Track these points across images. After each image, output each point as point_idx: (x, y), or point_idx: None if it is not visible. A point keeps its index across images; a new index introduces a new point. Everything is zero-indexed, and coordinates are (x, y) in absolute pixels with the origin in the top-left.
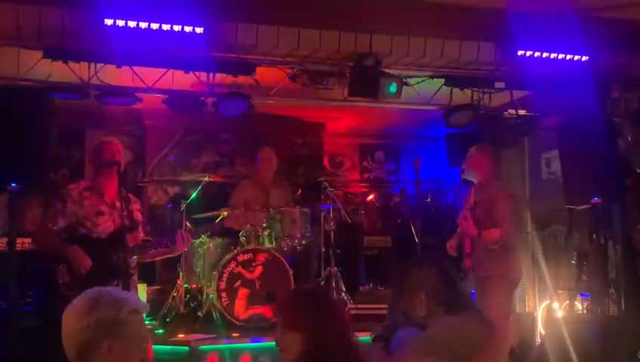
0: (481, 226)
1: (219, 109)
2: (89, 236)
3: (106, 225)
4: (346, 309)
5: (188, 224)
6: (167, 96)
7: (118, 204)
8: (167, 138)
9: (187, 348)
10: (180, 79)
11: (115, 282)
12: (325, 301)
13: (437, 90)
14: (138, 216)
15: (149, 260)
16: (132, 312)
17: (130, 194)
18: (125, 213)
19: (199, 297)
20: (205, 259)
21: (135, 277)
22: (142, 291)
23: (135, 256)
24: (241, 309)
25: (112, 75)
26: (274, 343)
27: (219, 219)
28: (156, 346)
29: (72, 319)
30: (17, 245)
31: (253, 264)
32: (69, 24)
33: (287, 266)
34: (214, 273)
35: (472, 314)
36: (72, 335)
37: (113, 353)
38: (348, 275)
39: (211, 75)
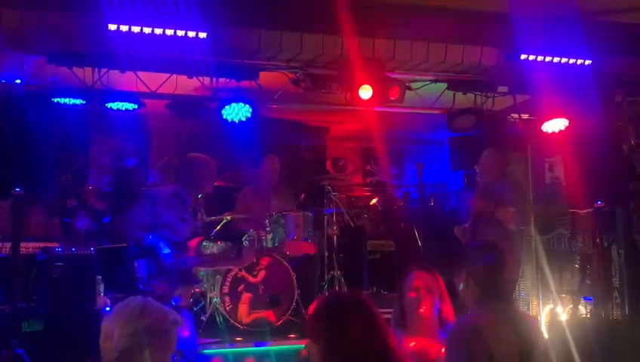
0: (494, 205)
1: (222, 114)
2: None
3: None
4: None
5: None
6: (170, 100)
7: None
8: (171, 143)
9: None
10: (184, 84)
11: None
12: (342, 310)
13: (440, 94)
14: None
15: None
16: (174, 323)
17: None
18: None
19: (203, 301)
20: None
21: None
22: None
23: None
24: (245, 313)
25: (116, 79)
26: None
27: (221, 223)
28: None
29: (119, 324)
30: (21, 249)
31: (257, 268)
32: (73, 29)
33: (291, 270)
34: (218, 277)
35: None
36: (116, 340)
37: (153, 360)
38: (351, 279)
39: (215, 79)
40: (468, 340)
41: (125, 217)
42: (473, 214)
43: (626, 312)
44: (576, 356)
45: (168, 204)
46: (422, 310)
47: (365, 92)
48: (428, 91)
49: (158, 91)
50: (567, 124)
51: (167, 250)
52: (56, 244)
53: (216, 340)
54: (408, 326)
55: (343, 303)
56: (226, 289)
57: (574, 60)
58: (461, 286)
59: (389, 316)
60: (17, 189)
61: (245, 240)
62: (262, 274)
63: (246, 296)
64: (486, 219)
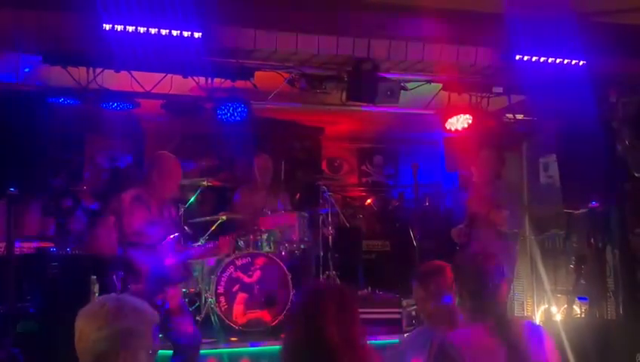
0: (488, 207)
1: (217, 114)
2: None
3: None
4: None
5: (186, 228)
6: (165, 100)
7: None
8: (166, 142)
9: None
10: (179, 84)
11: None
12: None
13: (435, 95)
14: None
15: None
16: (150, 323)
17: None
18: None
19: (197, 301)
20: (203, 263)
21: None
22: None
23: None
24: (240, 313)
25: (111, 79)
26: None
27: (216, 223)
28: None
29: (93, 326)
30: (16, 249)
31: (252, 268)
32: (68, 29)
33: (286, 270)
34: (213, 277)
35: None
36: (90, 342)
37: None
38: (346, 279)
39: (210, 79)
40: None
41: (93, 235)
42: (468, 215)
43: (621, 312)
44: (570, 356)
45: (132, 210)
46: None
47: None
48: (423, 91)
49: (153, 91)
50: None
51: (141, 257)
52: (51, 244)
53: (212, 340)
54: None
55: (304, 299)
56: (221, 290)
57: (569, 61)
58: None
59: (384, 316)
60: (12, 189)
61: (240, 239)
62: (257, 274)
63: (241, 296)
64: (481, 219)
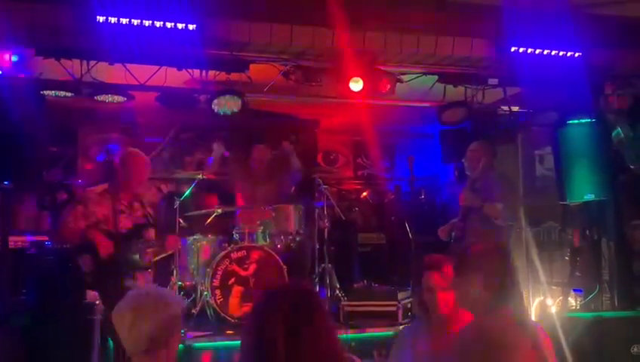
0: (482, 200)
1: (212, 107)
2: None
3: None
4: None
5: (181, 221)
6: (160, 93)
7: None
8: (161, 135)
9: (181, 345)
10: (173, 76)
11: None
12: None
13: (431, 87)
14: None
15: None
16: (182, 310)
17: None
18: None
19: (193, 295)
20: (199, 256)
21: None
22: None
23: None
24: (235, 306)
25: (105, 72)
26: None
27: (212, 216)
28: None
29: (144, 316)
30: (11, 243)
31: (247, 261)
32: (62, 21)
33: (281, 263)
34: (208, 270)
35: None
36: (144, 331)
37: (175, 345)
38: (342, 272)
39: (204, 72)
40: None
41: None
42: (462, 208)
43: (616, 304)
44: (566, 348)
45: (100, 200)
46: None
47: (356, 84)
48: (419, 84)
49: (147, 84)
50: (557, 117)
51: (104, 243)
52: (46, 238)
53: (207, 333)
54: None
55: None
56: (216, 283)
57: (564, 53)
58: (473, 292)
59: (380, 308)
60: (6, 183)
61: (236, 232)
62: (253, 267)
63: (237, 290)
64: (475, 212)
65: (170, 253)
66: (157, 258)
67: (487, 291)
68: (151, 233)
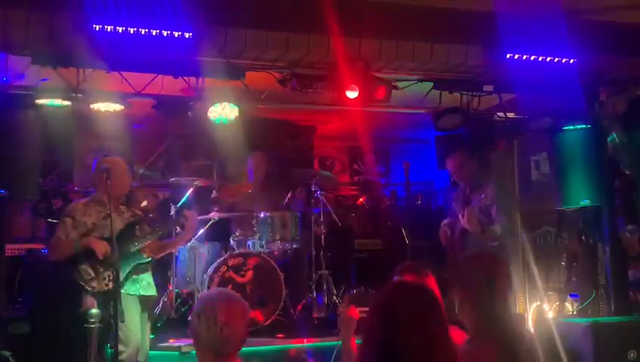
0: (482, 224)
1: (208, 114)
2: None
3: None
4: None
5: (178, 228)
6: (156, 101)
7: None
8: (157, 143)
9: (178, 353)
10: (170, 84)
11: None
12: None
13: (426, 94)
14: None
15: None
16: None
17: None
18: None
19: (190, 302)
20: (196, 263)
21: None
22: None
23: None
24: None
25: (101, 80)
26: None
27: (209, 223)
28: None
29: (238, 316)
30: (7, 250)
31: (244, 268)
32: (58, 29)
33: (279, 270)
34: (205, 277)
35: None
36: (239, 330)
37: None
38: (339, 278)
39: (201, 79)
40: None
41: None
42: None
43: (612, 309)
44: (562, 353)
45: (86, 211)
46: None
47: (352, 92)
48: (414, 90)
49: (143, 92)
50: (552, 123)
51: (99, 244)
52: (43, 246)
53: None
54: None
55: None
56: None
57: (559, 59)
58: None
59: None
60: (2, 191)
61: (233, 239)
62: (249, 274)
63: None
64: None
65: (169, 252)
66: (158, 255)
67: (470, 308)
68: (144, 227)
